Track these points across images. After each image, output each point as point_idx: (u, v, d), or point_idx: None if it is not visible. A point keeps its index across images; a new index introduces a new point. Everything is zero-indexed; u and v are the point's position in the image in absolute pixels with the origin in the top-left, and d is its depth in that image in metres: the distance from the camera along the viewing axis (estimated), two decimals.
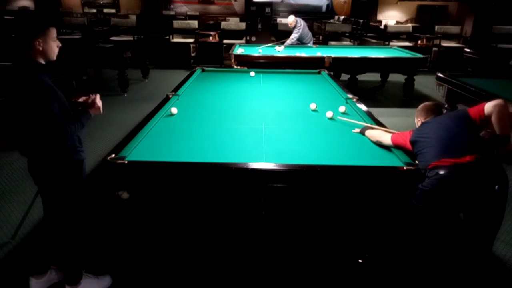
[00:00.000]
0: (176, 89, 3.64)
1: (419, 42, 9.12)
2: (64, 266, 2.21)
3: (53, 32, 1.91)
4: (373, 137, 2.50)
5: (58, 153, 1.92)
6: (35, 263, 2.30)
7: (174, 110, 2.98)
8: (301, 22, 6.90)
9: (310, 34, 7.20)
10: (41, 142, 1.87)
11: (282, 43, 6.92)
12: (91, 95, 2.10)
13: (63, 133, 1.83)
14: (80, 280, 2.19)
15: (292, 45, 6.84)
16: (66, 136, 1.86)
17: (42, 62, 1.90)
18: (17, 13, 10.93)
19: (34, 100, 1.77)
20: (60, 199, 2.04)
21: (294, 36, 6.83)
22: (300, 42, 7.02)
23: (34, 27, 1.85)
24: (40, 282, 2.24)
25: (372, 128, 2.62)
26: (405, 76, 6.41)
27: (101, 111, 2.11)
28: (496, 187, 1.87)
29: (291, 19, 6.84)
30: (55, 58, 1.95)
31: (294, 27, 6.82)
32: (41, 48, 1.86)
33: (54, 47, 1.93)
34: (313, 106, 3.24)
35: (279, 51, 6.55)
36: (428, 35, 9.30)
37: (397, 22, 12.73)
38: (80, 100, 2.09)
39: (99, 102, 2.08)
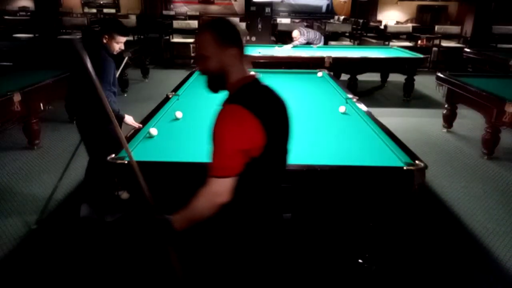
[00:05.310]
0: (176, 89, 3.64)
1: (419, 42, 9.12)
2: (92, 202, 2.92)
3: (118, 37, 2.74)
4: None
5: (100, 115, 2.33)
6: (87, 193, 2.97)
7: (179, 114, 2.92)
8: (304, 31, 7.10)
9: (318, 35, 7.25)
10: (92, 102, 2.42)
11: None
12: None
13: (105, 97, 2.00)
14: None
15: (300, 44, 6.96)
16: (105, 100, 1.96)
17: (110, 49, 2.77)
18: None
19: (100, 65, 2.46)
20: (96, 151, 2.78)
21: (301, 40, 6.95)
22: (310, 43, 7.14)
23: (103, 29, 2.80)
24: (89, 208, 2.92)
25: None
26: (405, 76, 6.41)
27: (135, 126, 2.69)
28: None
29: (295, 34, 6.98)
30: (114, 52, 2.79)
31: (299, 38, 6.97)
32: (105, 42, 2.74)
33: (114, 46, 2.76)
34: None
35: (279, 51, 6.57)
36: (428, 35, 9.30)
37: (397, 22, 12.72)
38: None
39: (135, 125, 2.70)
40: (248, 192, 1.30)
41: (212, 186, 1.23)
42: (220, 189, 1.22)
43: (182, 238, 1.37)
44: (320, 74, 4.66)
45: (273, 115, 1.29)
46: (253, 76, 1.35)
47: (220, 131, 1.20)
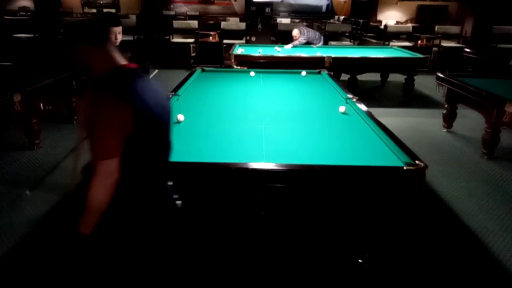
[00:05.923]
0: (176, 89, 3.65)
1: (419, 42, 9.11)
2: None
3: (114, 28, 2.80)
4: None
5: None
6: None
7: (180, 117, 2.88)
8: (305, 30, 7.09)
9: (318, 34, 7.24)
10: None
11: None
12: None
13: None
14: None
15: (300, 44, 6.97)
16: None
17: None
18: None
19: None
20: None
21: (301, 39, 6.95)
22: (310, 43, 7.14)
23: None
24: None
25: None
26: (405, 76, 6.41)
27: None
28: None
29: (295, 32, 6.97)
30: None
31: (299, 37, 6.97)
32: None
33: (110, 37, 2.90)
34: None
35: (279, 51, 6.57)
36: (428, 35, 9.30)
37: (397, 22, 12.72)
38: None
39: None
40: (129, 167, 1.42)
41: (102, 169, 1.36)
42: (109, 169, 1.37)
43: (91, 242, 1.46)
44: (304, 73, 4.70)
45: (141, 97, 1.41)
46: (124, 64, 1.51)
47: (96, 118, 1.36)
